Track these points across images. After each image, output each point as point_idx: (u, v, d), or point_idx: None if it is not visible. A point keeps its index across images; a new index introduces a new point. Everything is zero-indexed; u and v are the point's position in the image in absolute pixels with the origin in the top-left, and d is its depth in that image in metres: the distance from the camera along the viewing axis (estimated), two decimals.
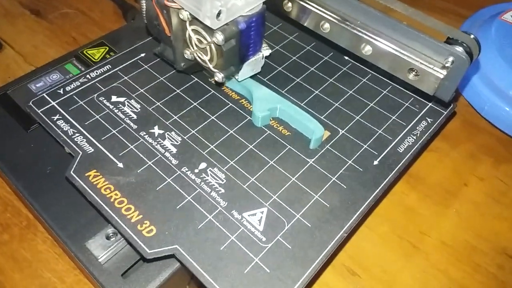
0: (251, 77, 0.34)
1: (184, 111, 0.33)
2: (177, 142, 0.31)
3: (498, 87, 0.42)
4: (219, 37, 0.28)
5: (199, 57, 0.31)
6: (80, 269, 0.31)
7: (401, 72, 0.28)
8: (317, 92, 0.35)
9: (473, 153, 0.42)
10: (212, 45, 0.29)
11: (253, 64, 0.33)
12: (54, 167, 0.32)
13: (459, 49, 0.25)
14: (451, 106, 0.34)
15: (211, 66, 0.31)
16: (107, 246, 0.28)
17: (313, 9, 0.30)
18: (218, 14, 0.27)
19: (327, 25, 0.30)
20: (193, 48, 0.31)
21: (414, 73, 0.27)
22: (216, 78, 0.31)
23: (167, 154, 0.30)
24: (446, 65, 0.26)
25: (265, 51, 0.33)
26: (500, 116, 0.42)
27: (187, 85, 0.35)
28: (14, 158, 0.32)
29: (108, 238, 0.28)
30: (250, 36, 0.30)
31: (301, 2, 0.30)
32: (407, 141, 0.32)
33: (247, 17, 0.29)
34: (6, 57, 0.50)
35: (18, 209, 0.37)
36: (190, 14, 0.29)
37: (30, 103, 0.32)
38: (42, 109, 0.32)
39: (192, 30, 0.30)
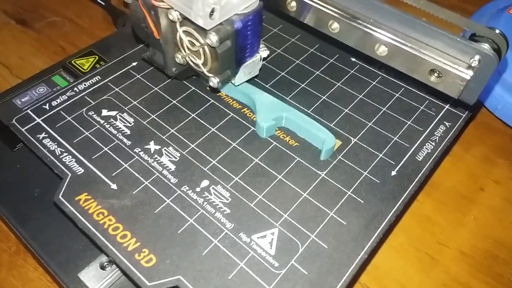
0: (251, 83, 0.32)
1: (182, 123, 0.30)
2: (176, 158, 0.28)
3: (510, 84, 0.40)
4: (213, 38, 0.26)
5: (191, 61, 0.29)
6: None
7: (421, 74, 0.25)
8: (324, 97, 0.33)
9: (488, 156, 0.40)
10: (206, 47, 0.27)
11: (251, 67, 0.31)
12: (43, 189, 0.30)
13: (486, 46, 0.23)
14: (472, 109, 0.32)
15: (205, 71, 0.28)
16: (102, 277, 0.26)
17: (319, 7, 0.28)
18: (211, 13, 0.25)
19: (336, 25, 0.27)
20: (185, 52, 0.29)
21: (436, 74, 0.25)
22: (211, 83, 0.29)
23: (165, 172, 0.28)
24: (473, 64, 0.23)
25: (263, 52, 0.31)
26: None
27: (184, 94, 0.32)
28: None
29: (102, 268, 0.27)
30: (247, 36, 0.28)
31: (306, 0, 0.28)
32: (426, 148, 0.30)
33: (243, 16, 0.27)
34: None
35: (6, 233, 0.34)
36: (181, 14, 0.26)
37: (13, 121, 0.30)
38: (26, 127, 0.29)
39: (183, 31, 0.27)
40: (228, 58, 0.28)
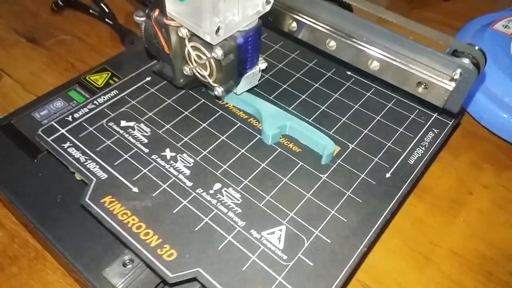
0: (256, 94, 0.35)
1: (194, 132, 0.33)
2: (190, 164, 0.31)
3: (495, 95, 0.43)
4: (219, 52, 0.29)
5: (198, 72, 0.32)
6: None
7: (410, 86, 0.28)
8: (323, 108, 0.35)
9: (475, 162, 0.42)
10: (212, 60, 0.30)
11: (251, 78, 0.34)
12: (65, 195, 0.31)
13: (466, 61, 0.26)
14: (456, 116, 0.35)
15: (210, 81, 0.31)
16: (124, 273, 0.27)
17: (318, 27, 0.31)
18: (217, 30, 0.28)
19: (333, 43, 0.30)
20: (192, 64, 0.31)
21: (423, 86, 0.28)
22: (216, 92, 0.32)
23: (180, 176, 0.30)
24: (455, 77, 0.26)
25: (262, 64, 0.34)
26: (499, 123, 0.43)
27: (195, 106, 0.35)
28: (23, 188, 0.32)
29: (124, 265, 0.28)
30: (248, 50, 0.31)
31: (306, 22, 0.31)
32: (417, 152, 0.32)
33: (244, 32, 0.30)
34: (3, 86, 0.50)
35: (25, 240, 0.36)
36: (189, 31, 0.29)
37: (39, 132, 0.32)
38: (51, 137, 0.32)
39: (191, 46, 0.30)
40: (232, 69, 0.31)
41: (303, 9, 0.31)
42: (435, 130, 0.34)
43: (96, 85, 0.40)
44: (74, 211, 0.30)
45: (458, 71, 0.26)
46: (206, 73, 0.31)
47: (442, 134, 0.34)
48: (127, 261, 0.28)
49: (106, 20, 0.55)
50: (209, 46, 0.29)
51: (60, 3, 0.54)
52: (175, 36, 0.31)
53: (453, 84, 0.27)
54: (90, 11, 0.57)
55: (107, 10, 0.55)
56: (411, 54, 0.28)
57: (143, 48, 0.43)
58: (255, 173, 0.31)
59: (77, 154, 0.31)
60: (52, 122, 0.33)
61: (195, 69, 0.32)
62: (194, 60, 0.31)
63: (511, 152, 0.43)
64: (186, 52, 0.31)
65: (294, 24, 0.32)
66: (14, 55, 0.53)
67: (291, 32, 0.33)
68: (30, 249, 0.35)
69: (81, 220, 0.30)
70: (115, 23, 0.54)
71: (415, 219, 0.37)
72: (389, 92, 0.37)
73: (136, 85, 0.36)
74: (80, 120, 0.33)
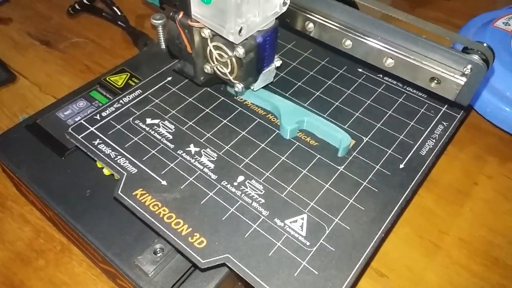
0: (273, 92, 0.37)
1: (216, 128, 0.35)
2: (214, 158, 0.33)
3: (497, 90, 0.44)
4: (240, 51, 0.30)
5: (219, 70, 0.34)
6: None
7: (423, 81, 0.30)
8: (337, 103, 0.37)
9: (479, 154, 0.44)
10: (233, 59, 0.32)
11: (267, 75, 0.35)
12: (93, 190, 0.33)
13: (476, 57, 0.28)
14: (464, 109, 0.37)
15: (231, 78, 0.33)
16: (156, 261, 0.29)
17: (335, 27, 0.32)
18: (240, 31, 0.29)
19: (349, 42, 0.32)
20: (214, 63, 0.33)
21: (435, 81, 0.29)
22: (236, 89, 0.34)
23: (205, 170, 0.32)
24: (466, 72, 0.28)
25: (277, 62, 0.35)
26: (501, 117, 0.44)
27: (215, 104, 0.37)
28: (52, 184, 0.33)
29: (155, 253, 0.29)
30: (266, 48, 0.33)
31: (323, 23, 0.33)
32: (428, 144, 0.34)
33: (263, 32, 0.32)
34: (21, 88, 0.52)
35: (51, 235, 0.38)
36: (212, 31, 0.31)
37: (70, 130, 0.34)
38: (82, 135, 0.33)
39: (213, 46, 0.32)
40: (251, 67, 0.33)
41: (319, 10, 0.33)
42: (444, 123, 0.36)
43: (116, 85, 0.42)
44: (102, 205, 0.32)
45: (469, 66, 0.28)
46: (227, 71, 0.33)
47: (451, 127, 0.35)
48: (158, 250, 0.29)
49: (119, 22, 0.57)
50: (231, 45, 0.31)
51: (78, 7, 0.56)
52: (198, 37, 0.32)
53: (464, 79, 0.28)
54: (103, 14, 0.58)
55: (119, 13, 0.57)
56: (424, 52, 0.29)
57: (159, 50, 0.45)
58: (275, 165, 0.32)
59: (107, 151, 0.32)
60: (82, 121, 0.34)
61: (217, 67, 0.33)
62: (216, 58, 0.33)
63: None
64: (208, 52, 0.33)
65: (311, 25, 0.34)
66: (29, 58, 0.55)
67: (307, 33, 0.35)
68: (56, 243, 0.37)
69: (110, 213, 0.31)
70: (127, 26, 0.56)
71: (424, 210, 0.39)
72: (399, 88, 0.38)
73: (159, 85, 0.38)
74: (108, 118, 0.35)
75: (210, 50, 0.32)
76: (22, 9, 0.63)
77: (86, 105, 0.40)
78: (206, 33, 0.32)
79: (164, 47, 0.45)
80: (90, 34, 0.59)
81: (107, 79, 0.42)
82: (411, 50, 0.30)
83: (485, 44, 0.29)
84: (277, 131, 0.35)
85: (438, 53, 0.29)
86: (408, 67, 0.30)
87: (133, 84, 0.41)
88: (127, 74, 0.43)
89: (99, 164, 0.32)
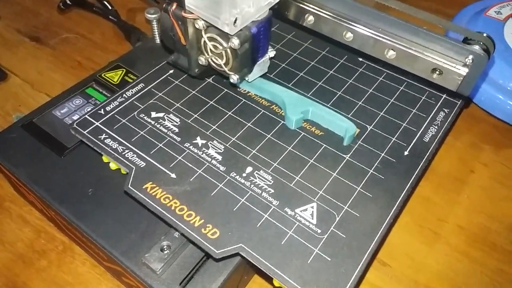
0: (275, 83, 0.37)
1: (221, 120, 0.35)
2: (221, 150, 0.33)
3: (491, 78, 0.45)
4: (235, 42, 0.30)
5: (214, 62, 0.33)
6: (129, 286, 0.32)
7: (425, 72, 0.30)
8: (340, 93, 0.37)
9: (475, 142, 0.45)
10: (228, 50, 0.32)
11: (262, 65, 0.35)
12: (95, 188, 0.33)
13: (477, 47, 0.28)
14: (463, 97, 0.37)
15: (226, 69, 0.33)
16: (163, 258, 0.29)
17: (335, 20, 0.33)
18: (235, 21, 0.29)
19: (349, 34, 0.32)
20: (208, 54, 0.33)
21: (437, 72, 0.30)
22: (231, 80, 0.33)
23: (213, 162, 0.32)
24: (467, 63, 0.29)
25: (271, 52, 0.35)
26: (495, 105, 0.45)
27: (218, 96, 0.37)
28: (53, 184, 0.33)
29: (162, 250, 0.29)
30: (260, 39, 0.33)
31: (323, 15, 0.33)
32: (430, 131, 0.35)
33: (257, 22, 0.31)
34: (13, 86, 0.51)
35: (52, 235, 0.37)
36: (206, 23, 0.31)
37: (75, 125, 0.33)
38: (87, 130, 0.33)
39: (208, 37, 0.32)
40: (246, 58, 0.33)
41: (319, 3, 0.33)
42: (446, 110, 0.36)
43: (112, 82, 0.41)
44: (106, 203, 0.32)
45: (470, 57, 0.28)
46: (222, 62, 0.33)
47: (452, 114, 0.36)
48: (165, 247, 0.29)
49: (110, 17, 0.56)
50: (226, 36, 0.31)
51: (68, 2, 0.55)
52: (192, 28, 0.32)
53: (466, 69, 0.29)
54: (94, 8, 0.57)
55: (110, 7, 0.56)
56: (425, 43, 0.30)
57: (154, 44, 0.45)
58: (282, 156, 0.33)
59: (114, 145, 0.32)
60: (86, 116, 0.34)
61: (211, 59, 0.33)
62: (210, 50, 0.33)
63: (508, 131, 0.46)
64: (202, 43, 0.33)
65: (311, 17, 0.34)
66: (20, 55, 0.54)
67: (307, 25, 0.35)
68: (58, 242, 0.37)
69: (114, 211, 0.31)
70: (118, 20, 0.55)
71: (423, 199, 0.40)
72: (399, 76, 0.39)
73: (161, 78, 0.37)
74: (112, 113, 0.34)
75: (205, 41, 0.32)
76: (10, 5, 0.61)
77: (82, 103, 0.39)
78: (200, 24, 0.31)
79: (158, 42, 0.45)
80: (80, 29, 0.58)
81: (102, 75, 0.42)
82: (413, 41, 0.30)
83: (485, 34, 0.29)
84: (282, 121, 0.35)
85: (439, 44, 0.29)
86: (410, 58, 0.30)
87: (130, 80, 0.41)
88: (123, 70, 0.42)
89: (105, 159, 0.32)
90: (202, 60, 0.34)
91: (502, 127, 0.46)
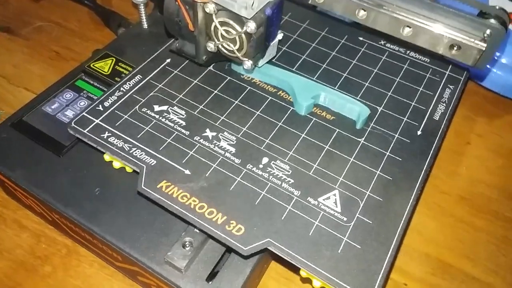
0: (281, 67, 0.35)
1: (229, 110, 0.33)
2: (233, 141, 0.31)
3: None
4: (252, 26, 0.29)
5: (225, 48, 0.32)
6: (146, 285, 0.31)
7: (443, 49, 0.30)
8: (345, 74, 0.37)
9: (468, 115, 0.46)
10: (243, 35, 0.30)
11: (271, 49, 0.34)
12: (102, 187, 0.31)
13: (493, 21, 0.28)
14: (465, 72, 0.37)
15: (239, 55, 0.31)
16: (186, 255, 0.28)
17: None
18: (252, 4, 0.28)
19: (363, 12, 0.31)
20: (218, 40, 0.31)
21: (456, 48, 0.29)
22: (245, 66, 0.32)
23: (227, 154, 0.30)
24: (485, 37, 0.28)
25: (279, 35, 0.34)
26: (484, 75, 0.46)
27: (222, 84, 0.35)
28: (56, 186, 0.31)
29: (184, 247, 0.28)
30: (273, 22, 0.31)
31: None
32: (439, 108, 0.35)
33: (271, 4, 0.30)
34: None
35: (52, 238, 0.35)
36: (216, 6, 0.29)
37: (73, 124, 0.31)
38: (87, 129, 0.31)
39: (219, 22, 0.30)
40: (261, 42, 0.31)
41: None
42: (451, 86, 0.36)
43: (103, 72, 0.39)
44: (115, 202, 0.30)
45: (488, 31, 0.28)
46: (235, 48, 0.31)
47: (458, 89, 0.36)
48: (187, 243, 0.28)
49: (85, 2, 0.53)
50: (240, 20, 0.29)
51: None
52: (202, 13, 0.30)
53: (484, 44, 0.28)
54: None
55: None
56: (442, 19, 0.29)
57: (141, 30, 0.43)
58: (297, 144, 0.32)
59: (120, 143, 0.30)
60: (83, 113, 0.32)
61: (222, 45, 0.32)
62: (222, 35, 0.31)
63: (498, 102, 0.47)
64: (212, 28, 0.31)
65: None
66: None
67: (317, 5, 0.33)
68: (60, 246, 0.35)
69: (125, 210, 0.30)
70: (94, 5, 0.52)
71: None
72: (401, 54, 0.38)
73: (158, 68, 0.35)
74: (112, 108, 0.32)
75: (215, 26, 0.31)
76: None
77: (74, 96, 0.37)
78: (210, 8, 0.30)
79: (146, 27, 0.43)
80: (54, 16, 0.54)
81: (91, 66, 0.39)
82: (429, 17, 0.29)
83: (497, 7, 0.29)
84: (291, 107, 0.34)
85: (456, 20, 0.29)
86: (427, 35, 0.30)
87: (122, 70, 0.39)
88: (112, 59, 0.40)
89: (107, 158, 0.30)
90: (211, 46, 0.32)
91: (491, 97, 0.47)
